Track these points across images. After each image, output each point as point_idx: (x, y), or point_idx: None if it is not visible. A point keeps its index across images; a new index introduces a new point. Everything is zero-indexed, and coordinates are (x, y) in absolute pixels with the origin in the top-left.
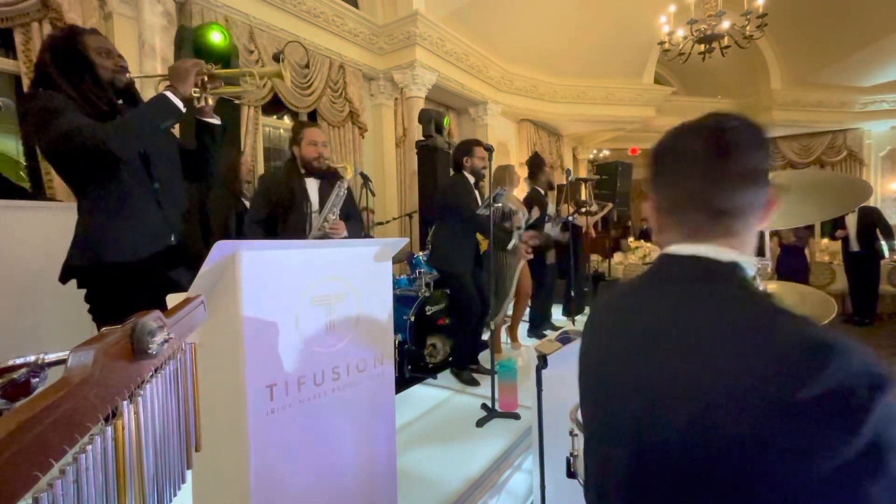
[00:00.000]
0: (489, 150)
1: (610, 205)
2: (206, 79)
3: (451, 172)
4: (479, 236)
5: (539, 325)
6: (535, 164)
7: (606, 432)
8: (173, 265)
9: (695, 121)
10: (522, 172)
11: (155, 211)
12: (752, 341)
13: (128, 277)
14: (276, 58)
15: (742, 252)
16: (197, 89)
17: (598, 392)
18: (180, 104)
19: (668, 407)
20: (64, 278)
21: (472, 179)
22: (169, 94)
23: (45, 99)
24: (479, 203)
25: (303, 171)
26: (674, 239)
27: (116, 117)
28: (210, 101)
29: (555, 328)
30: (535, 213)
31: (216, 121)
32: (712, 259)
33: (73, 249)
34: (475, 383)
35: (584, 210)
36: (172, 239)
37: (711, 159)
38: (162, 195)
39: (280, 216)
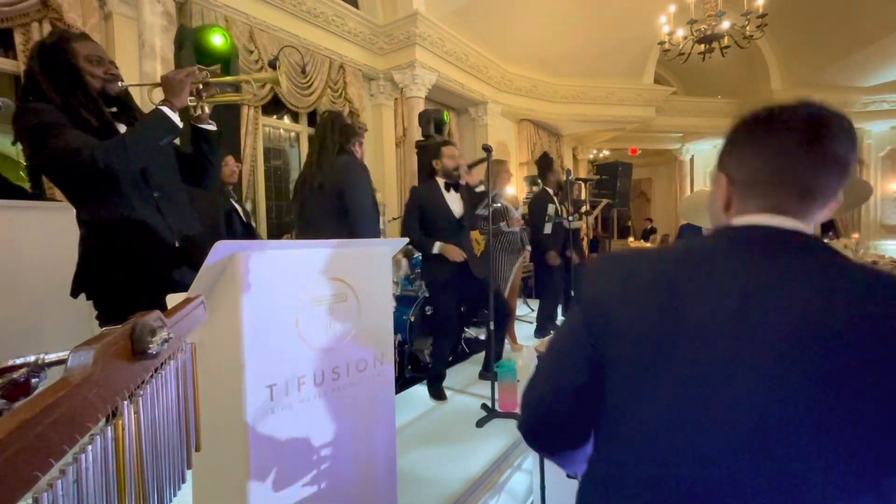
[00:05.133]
0: (488, 150)
1: (584, 209)
2: (200, 87)
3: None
4: (475, 234)
5: (546, 326)
6: (546, 164)
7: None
8: (178, 266)
9: (792, 101)
10: (522, 172)
11: (156, 218)
12: (874, 290)
13: (136, 285)
14: (272, 64)
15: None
16: (192, 98)
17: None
18: (177, 119)
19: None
20: (75, 293)
21: (441, 182)
22: (165, 110)
23: (38, 115)
24: (450, 208)
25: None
26: (746, 211)
27: (109, 129)
28: (206, 109)
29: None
30: (551, 210)
31: (213, 127)
32: (802, 232)
33: (80, 266)
34: (443, 398)
35: (583, 210)
36: (176, 243)
37: (812, 139)
38: (162, 202)
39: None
